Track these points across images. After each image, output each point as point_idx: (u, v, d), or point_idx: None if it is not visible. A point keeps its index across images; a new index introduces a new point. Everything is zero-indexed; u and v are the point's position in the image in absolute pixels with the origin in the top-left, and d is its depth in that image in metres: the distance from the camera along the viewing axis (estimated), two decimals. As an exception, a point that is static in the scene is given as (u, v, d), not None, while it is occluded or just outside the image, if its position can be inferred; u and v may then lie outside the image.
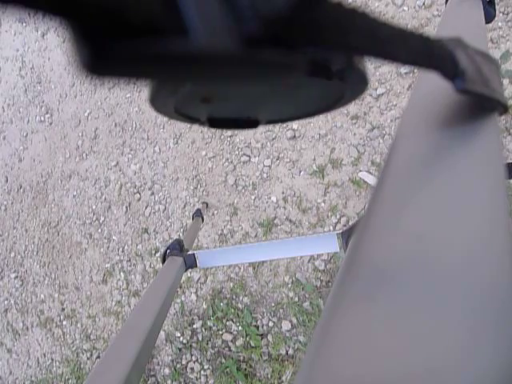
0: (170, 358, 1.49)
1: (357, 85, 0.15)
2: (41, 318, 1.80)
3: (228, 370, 1.36)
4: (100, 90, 1.84)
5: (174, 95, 0.14)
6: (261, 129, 1.46)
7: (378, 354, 0.11)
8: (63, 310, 1.76)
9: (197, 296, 1.48)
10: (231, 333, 1.39)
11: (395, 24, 0.13)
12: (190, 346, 1.46)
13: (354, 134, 1.33)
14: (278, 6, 0.09)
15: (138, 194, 1.67)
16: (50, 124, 1.96)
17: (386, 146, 1.28)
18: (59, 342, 1.75)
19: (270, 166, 1.44)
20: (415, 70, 1.26)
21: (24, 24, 2.10)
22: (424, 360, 0.10)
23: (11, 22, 2.17)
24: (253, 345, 1.34)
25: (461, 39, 0.18)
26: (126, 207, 1.69)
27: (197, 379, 1.43)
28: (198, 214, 1.23)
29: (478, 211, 0.15)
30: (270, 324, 1.34)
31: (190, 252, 0.72)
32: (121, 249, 1.67)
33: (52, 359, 1.75)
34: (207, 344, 1.43)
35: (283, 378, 1.28)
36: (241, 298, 1.40)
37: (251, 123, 0.18)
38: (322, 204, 1.34)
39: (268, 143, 1.45)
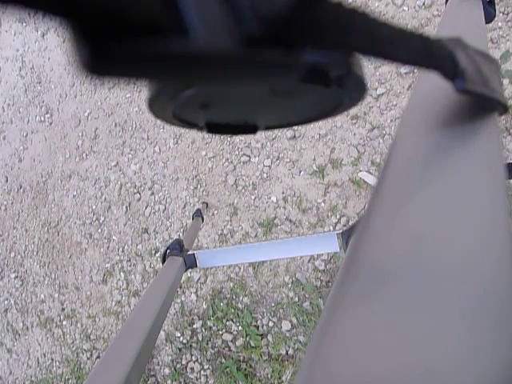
0: (169, 357, 1.49)
1: (355, 92, 0.15)
2: (41, 318, 1.80)
3: (228, 369, 1.36)
4: (100, 90, 1.84)
5: (173, 100, 0.14)
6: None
7: (378, 354, 0.11)
8: (63, 309, 1.76)
9: (197, 296, 1.48)
10: (231, 333, 1.39)
11: (395, 24, 0.13)
12: (190, 346, 1.46)
13: (354, 134, 1.33)
14: (278, 6, 0.09)
15: (138, 194, 1.67)
16: (50, 124, 1.96)
17: (385, 145, 1.28)
18: (59, 342, 1.75)
19: (270, 166, 1.44)
20: (415, 70, 1.26)
21: (24, 24, 2.10)
22: (424, 360, 0.10)
23: (11, 22, 2.17)
24: (253, 345, 1.34)
25: (461, 39, 0.18)
26: (126, 207, 1.69)
27: (197, 379, 1.43)
28: (198, 214, 1.23)
29: (477, 211, 0.15)
30: (270, 324, 1.34)
31: (189, 252, 0.72)
32: (121, 249, 1.67)
33: (52, 359, 1.75)
34: (207, 344, 1.43)
35: (283, 378, 1.28)
36: (241, 298, 1.40)
37: (250, 129, 0.18)
38: (322, 204, 1.34)
39: (268, 143, 1.45)
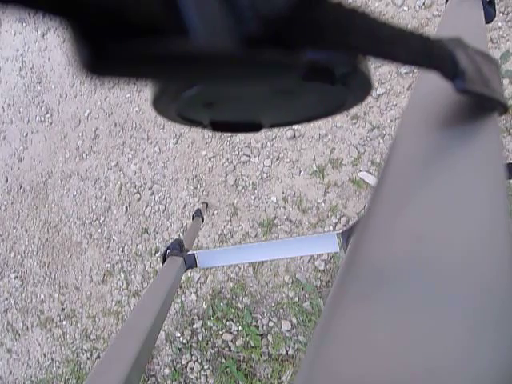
0: (169, 357, 1.49)
1: (360, 90, 0.15)
2: (41, 318, 1.80)
3: (228, 369, 1.36)
4: (100, 90, 1.84)
5: (177, 99, 0.14)
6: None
7: (378, 354, 0.11)
8: (63, 309, 1.76)
9: (197, 296, 1.48)
10: (231, 333, 1.39)
11: (395, 24, 0.13)
12: (190, 346, 1.46)
13: (354, 134, 1.33)
14: (277, 6, 0.09)
15: (138, 194, 1.67)
16: (50, 124, 1.96)
17: (386, 145, 1.28)
18: (59, 342, 1.75)
19: (270, 166, 1.44)
20: (415, 70, 1.26)
21: (24, 24, 2.10)
22: (424, 360, 0.10)
23: (11, 22, 2.17)
24: (253, 345, 1.34)
25: (461, 39, 0.18)
26: (126, 207, 1.69)
27: (197, 379, 1.43)
28: (198, 214, 1.23)
29: (478, 211, 0.15)
30: (270, 324, 1.34)
31: (189, 252, 0.72)
32: (121, 249, 1.67)
33: (52, 359, 1.75)
34: (207, 344, 1.43)
35: (283, 378, 1.28)
36: (241, 298, 1.40)
37: (254, 127, 0.18)
38: (322, 204, 1.34)
39: (268, 143, 1.45)
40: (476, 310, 0.11)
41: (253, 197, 1.44)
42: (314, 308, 1.28)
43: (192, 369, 1.44)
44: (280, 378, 1.28)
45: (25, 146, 2.01)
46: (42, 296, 1.82)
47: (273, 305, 1.35)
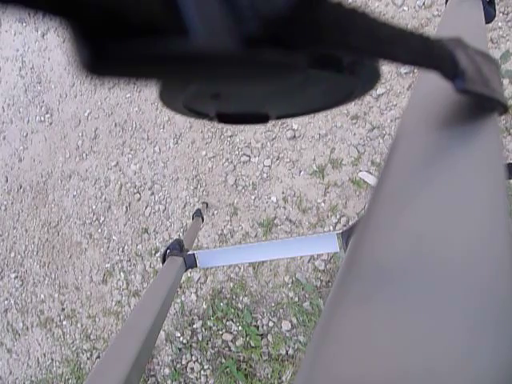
0: (169, 357, 1.49)
1: (368, 79, 0.15)
2: (41, 318, 1.80)
3: (228, 369, 1.36)
4: (100, 90, 1.84)
5: (183, 92, 0.14)
6: (261, 129, 1.46)
7: (378, 354, 0.11)
8: (63, 309, 1.76)
9: (197, 296, 1.48)
10: (231, 333, 1.39)
11: (395, 24, 0.13)
12: (190, 346, 1.46)
13: (354, 134, 1.33)
14: (278, 5, 0.09)
15: (138, 194, 1.67)
16: (50, 124, 1.96)
17: (386, 145, 1.28)
18: (59, 342, 1.75)
19: (270, 166, 1.44)
20: (415, 70, 1.26)
21: (24, 24, 2.10)
22: (424, 360, 0.10)
23: (11, 22, 2.17)
24: (253, 345, 1.34)
25: (461, 39, 0.18)
26: (126, 207, 1.69)
27: (197, 379, 1.43)
28: (198, 214, 1.23)
29: (478, 211, 0.15)
30: (270, 324, 1.34)
31: (190, 252, 0.72)
32: (121, 249, 1.67)
33: (52, 359, 1.75)
34: (207, 344, 1.43)
35: (283, 378, 1.28)
36: (241, 298, 1.40)
37: (261, 118, 0.18)
38: (322, 204, 1.34)
39: (268, 143, 1.45)
40: (476, 310, 0.11)
41: (253, 197, 1.44)
42: (313, 308, 1.28)
43: (192, 369, 1.44)
44: (280, 378, 1.29)
45: (25, 146, 2.01)
46: (42, 296, 1.82)
47: (273, 305, 1.35)
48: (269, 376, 1.30)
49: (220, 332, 1.41)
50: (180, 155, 1.61)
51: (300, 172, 1.39)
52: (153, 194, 1.64)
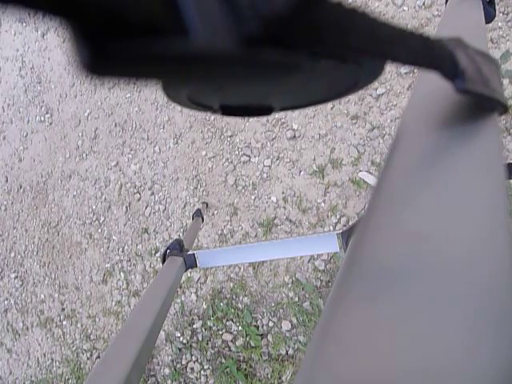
0: (169, 357, 1.49)
1: (371, 69, 0.15)
2: (41, 318, 1.80)
3: (228, 370, 1.36)
4: (100, 90, 1.84)
5: (185, 84, 0.14)
6: (261, 129, 1.46)
7: (378, 354, 0.11)
8: (63, 309, 1.76)
9: (197, 296, 1.48)
10: (231, 333, 1.39)
11: (395, 24, 0.13)
12: (190, 346, 1.46)
13: (354, 134, 1.33)
14: (277, 6, 0.09)
15: (138, 194, 1.67)
16: (50, 124, 1.96)
17: (386, 146, 1.28)
18: (59, 342, 1.75)
19: (270, 166, 1.44)
20: (415, 70, 1.26)
21: (24, 24, 2.10)
22: (424, 360, 0.10)
23: (11, 22, 2.17)
24: (253, 345, 1.34)
25: (461, 39, 0.18)
26: (126, 207, 1.69)
27: (197, 379, 1.43)
28: (198, 214, 1.23)
29: (478, 211, 0.15)
30: (270, 324, 1.34)
31: (189, 252, 0.72)
32: (121, 249, 1.67)
33: (52, 359, 1.75)
34: (207, 344, 1.43)
35: (283, 378, 1.28)
36: (241, 298, 1.40)
37: (265, 110, 0.18)
38: (322, 204, 1.34)
39: (268, 143, 1.45)
40: (476, 310, 0.11)
41: (253, 197, 1.44)
42: (313, 308, 1.28)
43: (192, 369, 1.44)
44: (280, 378, 1.29)
45: (25, 146, 2.01)
46: (42, 296, 1.82)
47: (273, 305, 1.35)
48: (269, 376, 1.30)
49: (220, 332, 1.41)
50: (180, 155, 1.61)
51: (300, 172, 1.39)
52: (153, 194, 1.64)
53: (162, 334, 1.51)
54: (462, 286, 0.12)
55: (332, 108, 1.36)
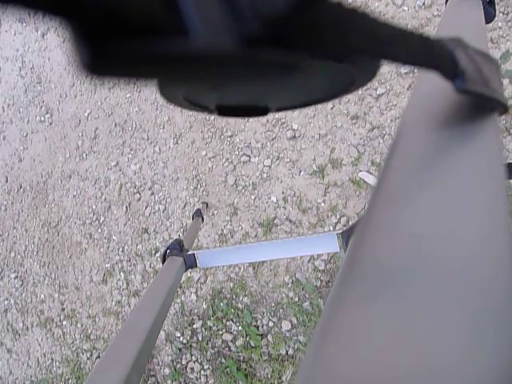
0: (170, 357, 1.49)
1: (368, 68, 0.15)
2: (41, 318, 1.80)
3: (228, 369, 1.36)
4: (100, 90, 1.84)
5: (183, 85, 0.14)
6: (261, 129, 1.46)
7: (378, 354, 0.11)
8: (63, 309, 1.76)
9: (197, 296, 1.48)
10: (231, 333, 1.39)
11: (395, 24, 0.13)
12: (190, 345, 1.46)
13: (354, 134, 1.33)
14: (277, 6, 0.09)
15: (138, 194, 1.67)
16: (50, 124, 1.96)
17: (386, 146, 1.28)
18: (59, 342, 1.75)
19: (270, 166, 1.44)
20: (415, 70, 1.26)
21: (24, 24, 2.10)
22: (424, 360, 0.10)
23: (11, 22, 2.17)
24: (253, 345, 1.34)
25: (461, 39, 0.18)
26: (126, 207, 1.69)
27: (197, 379, 1.43)
28: (198, 214, 1.23)
29: (478, 211, 0.15)
30: (270, 324, 1.34)
31: (190, 252, 0.72)
32: (121, 249, 1.67)
33: (52, 359, 1.75)
34: (207, 344, 1.43)
35: (283, 378, 1.28)
36: (241, 298, 1.40)
37: (261, 111, 0.18)
38: (322, 204, 1.34)
39: (268, 143, 1.45)
40: (476, 310, 0.11)
41: (253, 197, 1.44)
42: (313, 308, 1.28)
43: (192, 369, 1.44)
44: (280, 378, 1.29)
45: (25, 146, 2.01)
46: (42, 296, 1.82)
47: (273, 305, 1.35)
48: (269, 376, 1.30)
49: (220, 332, 1.41)
50: (180, 155, 1.61)
51: (300, 172, 1.39)
52: (153, 194, 1.64)
53: (162, 334, 1.51)
54: (462, 285, 0.12)
55: (332, 108, 1.36)
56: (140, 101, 1.74)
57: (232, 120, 1.48)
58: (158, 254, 1.59)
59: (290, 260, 1.34)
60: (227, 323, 1.40)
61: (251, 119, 1.45)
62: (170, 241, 0.74)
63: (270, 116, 1.43)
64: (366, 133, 1.31)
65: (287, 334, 1.30)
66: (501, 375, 0.10)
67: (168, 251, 0.71)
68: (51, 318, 1.78)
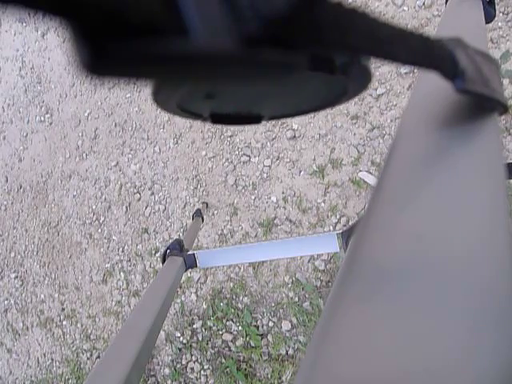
0: (169, 357, 1.49)
1: (360, 79, 0.15)
2: (41, 318, 1.80)
3: (228, 369, 1.36)
4: (100, 90, 1.84)
5: (177, 92, 0.14)
6: (261, 129, 1.46)
7: (378, 354, 0.11)
8: (63, 309, 1.76)
9: (197, 296, 1.48)
10: (231, 333, 1.39)
11: (395, 24, 0.13)
12: (190, 346, 1.46)
13: (354, 134, 1.33)
14: (277, 6, 0.09)
15: (138, 194, 1.67)
16: (50, 124, 1.96)
17: (386, 146, 1.28)
18: (59, 342, 1.75)
19: (270, 166, 1.44)
20: (415, 70, 1.26)
21: (24, 24, 2.10)
22: (424, 360, 0.10)
23: (11, 22, 2.17)
24: (253, 345, 1.34)
25: (461, 39, 0.18)
26: (126, 207, 1.69)
27: (197, 379, 1.43)
28: (198, 214, 1.23)
29: (478, 211, 0.15)
30: (270, 324, 1.34)
31: (190, 252, 0.72)
32: (121, 249, 1.67)
33: (52, 359, 1.75)
34: (207, 344, 1.43)
35: (283, 378, 1.28)
36: (241, 298, 1.40)
37: (254, 119, 0.18)
38: (322, 204, 1.34)
39: (268, 143, 1.45)
40: (476, 310, 0.11)
41: (253, 197, 1.44)
42: (313, 308, 1.28)
43: (192, 369, 1.44)
44: (280, 378, 1.29)
45: (25, 146, 2.01)
46: (42, 296, 1.82)
47: (273, 305, 1.35)
48: (269, 376, 1.30)
49: (220, 332, 1.41)
50: (180, 155, 1.61)
51: (300, 172, 1.39)
52: (153, 194, 1.64)
53: (162, 333, 1.51)
54: (462, 285, 0.12)
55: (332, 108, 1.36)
56: (140, 101, 1.74)
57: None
58: (158, 254, 1.59)
59: (290, 260, 1.34)
60: (227, 323, 1.40)
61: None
62: (170, 241, 0.74)
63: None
64: (366, 133, 1.31)
65: (287, 334, 1.30)
66: (501, 375, 0.10)
67: (168, 251, 0.71)
68: (51, 318, 1.78)
